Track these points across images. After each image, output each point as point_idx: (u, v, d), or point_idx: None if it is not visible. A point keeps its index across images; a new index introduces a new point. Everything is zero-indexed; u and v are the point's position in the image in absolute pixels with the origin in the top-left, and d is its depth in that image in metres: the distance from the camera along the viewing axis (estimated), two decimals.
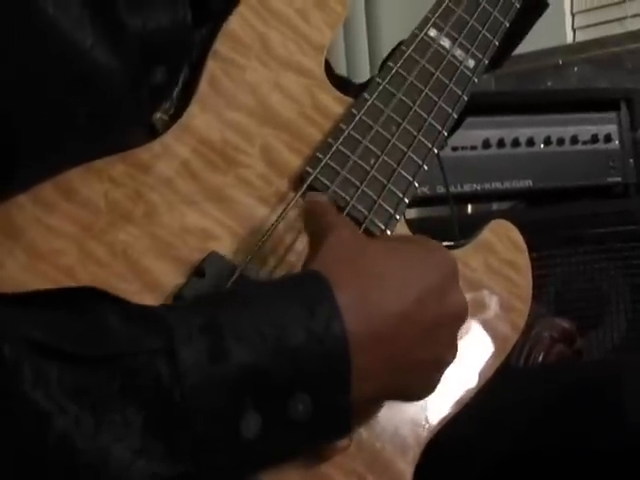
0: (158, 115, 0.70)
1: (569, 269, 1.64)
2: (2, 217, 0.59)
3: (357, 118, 0.75)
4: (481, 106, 1.59)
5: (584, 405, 0.79)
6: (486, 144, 1.64)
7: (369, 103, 0.76)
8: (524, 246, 0.81)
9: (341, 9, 0.81)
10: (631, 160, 1.73)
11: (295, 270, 0.66)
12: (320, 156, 0.72)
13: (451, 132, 0.85)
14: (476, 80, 0.83)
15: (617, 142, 1.72)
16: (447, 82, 0.81)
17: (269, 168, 0.70)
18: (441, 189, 1.53)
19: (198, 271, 0.63)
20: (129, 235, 0.63)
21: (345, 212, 0.70)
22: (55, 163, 0.61)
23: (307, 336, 0.53)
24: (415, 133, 0.77)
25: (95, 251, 0.61)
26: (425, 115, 0.78)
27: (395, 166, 0.74)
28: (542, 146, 1.68)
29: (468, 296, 0.65)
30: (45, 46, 0.57)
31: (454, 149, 1.60)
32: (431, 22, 0.84)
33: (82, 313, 0.51)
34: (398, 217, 0.73)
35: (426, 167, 0.76)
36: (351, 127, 0.74)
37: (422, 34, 0.83)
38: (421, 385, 0.63)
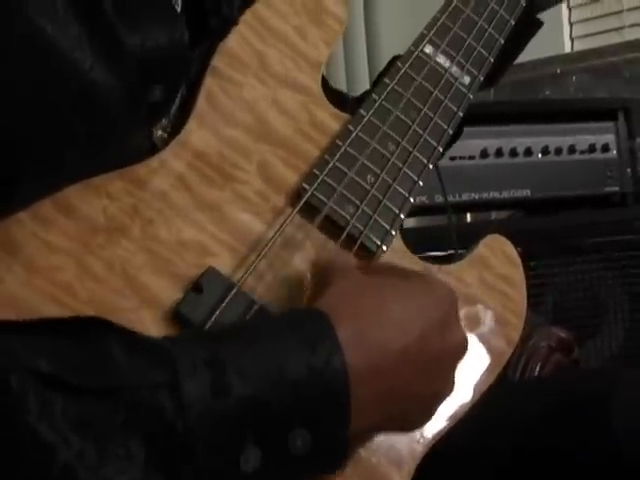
0: (158, 133, 0.71)
1: (567, 278, 1.64)
2: (1, 234, 0.59)
3: (353, 134, 0.75)
4: (479, 116, 1.59)
5: (571, 418, 0.80)
6: (484, 154, 1.64)
7: (365, 119, 0.77)
8: (518, 260, 0.82)
9: (338, 26, 0.82)
10: (628, 169, 1.74)
11: (291, 286, 0.67)
12: (317, 172, 0.72)
13: (449, 144, 0.86)
14: (471, 96, 0.84)
15: (615, 152, 1.73)
16: (442, 98, 0.82)
17: (266, 184, 0.71)
18: (439, 198, 1.54)
19: (195, 287, 0.63)
20: (127, 251, 0.63)
21: (343, 229, 0.71)
22: (54, 181, 0.62)
23: (308, 371, 0.53)
24: (411, 149, 0.78)
25: (93, 267, 0.61)
26: (421, 131, 0.79)
27: (391, 182, 0.75)
28: (540, 156, 1.68)
29: (463, 311, 0.65)
30: (46, 66, 0.57)
31: (452, 159, 1.61)
32: (427, 39, 0.85)
33: (87, 343, 0.51)
34: (394, 232, 0.74)
35: (421, 183, 0.76)
36: (347, 143, 0.75)
37: (418, 51, 0.83)
38: (418, 418, 0.64)
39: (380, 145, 0.76)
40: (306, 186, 0.71)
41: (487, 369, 0.75)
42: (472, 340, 0.65)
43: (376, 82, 0.86)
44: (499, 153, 1.65)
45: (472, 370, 0.73)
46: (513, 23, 0.92)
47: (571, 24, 2.36)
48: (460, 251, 0.83)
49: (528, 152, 1.67)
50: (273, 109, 0.75)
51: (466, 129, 1.10)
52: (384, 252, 0.73)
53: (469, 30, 0.88)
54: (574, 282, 1.64)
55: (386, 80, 0.81)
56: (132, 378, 0.50)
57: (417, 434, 0.69)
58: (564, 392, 0.85)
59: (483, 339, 0.76)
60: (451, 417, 0.71)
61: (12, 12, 0.55)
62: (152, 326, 0.62)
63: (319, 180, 0.72)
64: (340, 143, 0.75)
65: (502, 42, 0.90)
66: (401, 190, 0.75)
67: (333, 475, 0.58)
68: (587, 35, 2.33)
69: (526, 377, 1.28)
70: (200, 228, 0.67)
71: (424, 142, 0.79)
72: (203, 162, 0.69)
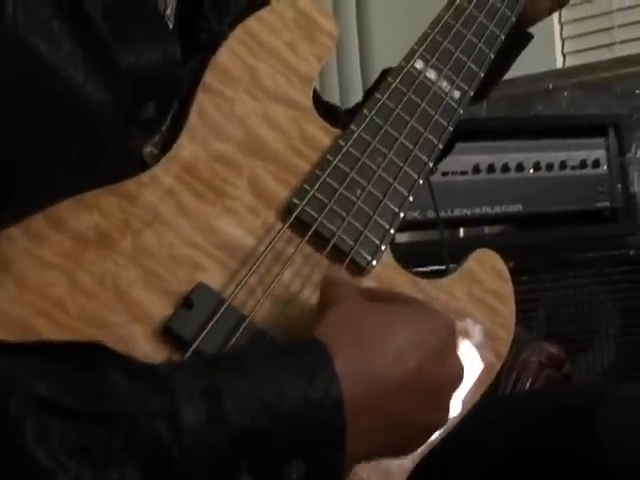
0: (148, 149, 0.71)
1: (558, 293, 1.65)
2: None
3: (344, 150, 0.76)
4: (471, 132, 1.60)
5: (559, 429, 0.80)
6: (476, 169, 1.65)
7: (356, 135, 0.77)
8: (507, 275, 0.82)
9: (329, 41, 0.82)
10: (619, 185, 1.75)
11: (281, 301, 0.67)
12: (307, 187, 0.73)
13: (440, 159, 0.86)
14: (461, 111, 0.85)
15: (605, 167, 1.74)
16: (433, 113, 0.82)
17: (257, 199, 0.71)
18: (432, 214, 1.54)
19: (186, 302, 0.64)
20: (118, 266, 0.63)
21: (331, 243, 0.71)
22: (46, 198, 0.62)
23: (305, 402, 0.53)
24: (401, 164, 0.78)
25: (84, 282, 0.62)
26: (411, 146, 0.79)
27: (381, 197, 0.75)
28: (531, 171, 1.69)
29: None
30: (39, 84, 0.58)
31: (444, 174, 1.62)
32: (417, 54, 0.85)
33: (86, 368, 0.51)
34: (384, 247, 0.74)
35: (412, 198, 0.77)
36: (338, 158, 0.75)
37: (408, 66, 0.84)
38: (413, 444, 0.64)
39: (370, 160, 0.76)
40: (296, 201, 0.72)
41: (476, 383, 0.75)
42: (461, 354, 0.65)
43: (367, 96, 0.86)
44: (491, 169, 1.66)
45: (461, 384, 0.74)
46: (503, 38, 0.93)
47: (563, 40, 2.37)
48: (452, 266, 0.84)
49: (520, 168, 1.68)
50: (264, 124, 0.75)
51: (458, 145, 1.11)
52: (374, 267, 0.73)
53: (459, 45, 0.88)
54: (566, 297, 1.65)
55: (377, 95, 0.81)
56: (131, 404, 0.50)
57: None
58: (553, 404, 0.86)
59: (472, 353, 0.76)
60: (440, 432, 0.71)
61: (4, 31, 0.55)
62: (143, 342, 0.62)
63: (309, 195, 0.72)
64: (331, 158, 0.75)
65: (492, 57, 0.91)
66: (391, 205, 0.76)
67: None
68: (579, 51, 2.35)
69: (517, 392, 1.28)
70: (191, 243, 0.67)
71: (414, 157, 0.79)
72: (194, 177, 0.70)
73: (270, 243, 0.69)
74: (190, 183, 0.69)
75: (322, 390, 0.54)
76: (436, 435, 0.70)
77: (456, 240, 1.87)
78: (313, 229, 0.71)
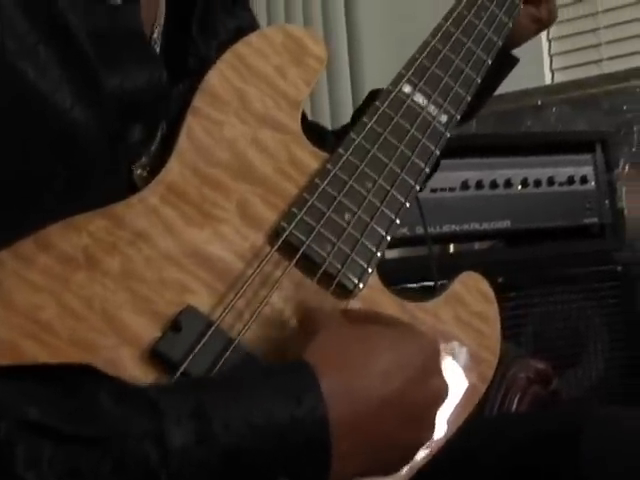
0: (138, 171, 0.72)
1: (547, 308, 1.66)
2: None
3: (332, 173, 0.76)
4: (459, 149, 1.61)
5: (543, 448, 0.81)
6: (465, 185, 1.66)
7: (344, 158, 0.78)
8: (493, 297, 0.83)
9: (318, 65, 0.83)
10: (607, 201, 1.76)
11: (269, 324, 0.68)
12: (295, 211, 0.73)
13: (427, 179, 0.87)
14: (448, 135, 0.85)
15: (593, 183, 1.75)
16: (420, 137, 0.83)
17: (245, 223, 0.72)
18: (420, 230, 1.55)
19: (174, 325, 0.64)
20: (106, 289, 0.64)
21: (321, 268, 0.72)
22: (35, 221, 0.62)
23: (292, 422, 0.54)
24: (388, 188, 0.79)
25: (73, 305, 0.62)
26: (398, 170, 0.80)
27: (369, 221, 0.76)
28: (520, 187, 1.70)
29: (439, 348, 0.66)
30: (28, 109, 0.58)
31: (433, 190, 1.62)
32: (405, 78, 0.86)
33: (75, 391, 0.52)
34: (371, 270, 0.74)
35: (399, 221, 0.77)
36: (326, 182, 0.76)
37: (396, 90, 0.85)
38: (399, 463, 0.65)
39: (358, 184, 0.77)
40: (285, 225, 0.72)
41: (461, 405, 0.76)
42: (446, 377, 0.66)
43: (354, 119, 0.87)
44: (479, 185, 1.67)
45: (446, 407, 0.74)
46: (490, 62, 0.94)
47: (551, 56, 2.39)
48: (441, 282, 0.84)
49: (508, 184, 1.69)
50: (253, 148, 0.76)
51: (447, 162, 1.12)
52: (361, 290, 0.74)
53: (447, 69, 0.89)
54: (554, 312, 1.66)
55: (365, 119, 0.82)
56: (120, 427, 0.50)
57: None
58: (538, 425, 0.87)
59: (457, 376, 0.77)
60: (425, 454, 0.71)
61: None
62: (131, 364, 0.62)
63: (297, 219, 0.73)
64: (319, 182, 0.76)
65: (479, 81, 0.91)
66: (379, 229, 0.76)
67: None
68: (567, 67, 2.36)
69: (505, 408, 1.29)
70: (179, 266, 0.67)
71: (402, 181, 0.80)
72: (183, 200, 0.70)
73: (258, 266, 0.69)
74: (179, 206, 0.70)
75: (308, 409, 0.55)
76: (422, 457, 0.71)
77: (446, 255, 1.88)
78: (301, 252, 0.71)
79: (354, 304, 0.74)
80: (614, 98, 2.13)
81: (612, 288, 1.69)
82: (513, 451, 0.83)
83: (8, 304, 0.60)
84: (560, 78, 2.37)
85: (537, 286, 1.65)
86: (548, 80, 2.38)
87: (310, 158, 0.78)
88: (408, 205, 0.79)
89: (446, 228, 1.64)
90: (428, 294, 0.81)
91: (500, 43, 0.96)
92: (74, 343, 0.61)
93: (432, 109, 0.86)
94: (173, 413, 0.52)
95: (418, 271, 1.22)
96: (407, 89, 0.85)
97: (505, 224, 1.69)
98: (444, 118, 0.86)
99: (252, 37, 0.81)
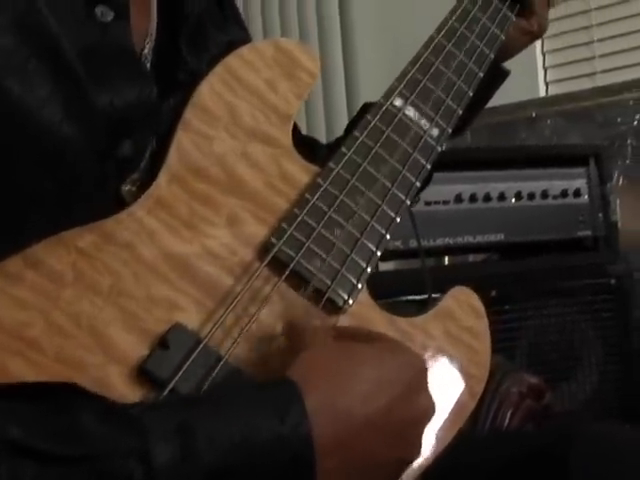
0: (127, 187, 0.71)
1: (540, 321, 1.65)
2: None
3: (322, 188, 0.76)
4: (452, 162, 1.61)
5: (531, 474, 0.80)
6: (458, 199, 1.66)
7: (334, 173, 0.77)
8: (483, 312, 0.82)
9: (309, 79, 0.82)
10: (600, 214, 1.76)
11: (258, 341, 0.68)
12: (285, 227, 0.73)
13: (419, 192, 0.87)
14: (439, 149, 0.85)
15: (586, 197, 1.75)
16: (411, 151, 0.83)
17: (234, 238, 0.72)
18: (414, 243, 1.55)
19: (162, 343, 0.64)
20: (94, 306, 0.63)
21: (310, 284, 0.71)
22: (23, 237, 0.62)
23: (276, 438, 0.54)
24: (379, 203, 0.78)
25: (61, 322, 0.62)
26: (389, 185, 0.80)
27: (359, 236, 0.76)
28: (513, 200, 1.70)
29: (428, 364, 0.66)
30: (12, 125, 0.58)
31: (427, 204, 1.62)
32: (397, 92, 0.85)
33: (59, 410, 0.51)
34: (360, 286, 0.74)
35: (389, 236, 0.77)
36: (316, 197, 0.75)
37: (387, 103, 0.84)
38: (385, 479, 0.64)
39: (349, 199, 0.77)
40: (274, 240, 0.72)
41: (450, 421, 0.75)
42: (435, 392, 0.65)
43: (346, 133, 0.87)
44: (473, 198, 1.66)
45: (434, 423, 0.73)
46: (481, 75, 0.93)
47: (545, 69, 2.39)
48: (434, 295, 0.84)
49: (502, 197, 1.68)
50: (243, 162, 0.75)
51: (441, 174, 1.12)
52: (350, 306, 0.73)
53: (439, 82, 0.89)
54: (548, 325, 1.66)
55: (356, 133, 0.81)
56: (103, 446, 0.50)
57: None
58: (527, 443, 0.86)
59: (446, 391, 0.76)
60: (415, 470, 0.71)
61: None
62: (119, 382, 0.62)
63: (287, 234, 0.72)
64: (309, 197, 0.75)
65: (471, 94, 0.91)
66: (369, 244, 0.76)
67: None
68: (561, 80, 2.37)
69: (497, 423, 1.28)
70: (168, 283, 0.67)
71: (392, 195, 0.79)
72: (172, 216, 0.70)
73: (247, 282, 0.69)
74: (168, 221, 0.69)
75: (293, 426, 0.55)
76: (409, 475, 0.70)
77: (440, 268, 1.88)
78: (290, 268, 0.71)
79: (343, 320, 0.73)
80: (608, 111, 2.14)
81: (606, 301, 1.69)
82: (502, 469, 0.83)
83: None
84: (554, 91, 2.38)
85: (531, 299, 1.64)
86: (542, 93, 2.38)
87: (301, 172, 0.78)
88: (398, 220, 0.78)
89: (440, 241, 1.64)
90: (422, 306, 0.80)
91: (492, 56, 0.96)
92: (61, 361, 0.60)
93: (423, 123, 0.85)
94: (158, 429, 0.51)
95: (413, 284, 1.21)
96: (398, 102, 0.85)
97: (499, 237, 1.69)
98: (435, 132, 0.86)
99: (243, 50, 0.80)
